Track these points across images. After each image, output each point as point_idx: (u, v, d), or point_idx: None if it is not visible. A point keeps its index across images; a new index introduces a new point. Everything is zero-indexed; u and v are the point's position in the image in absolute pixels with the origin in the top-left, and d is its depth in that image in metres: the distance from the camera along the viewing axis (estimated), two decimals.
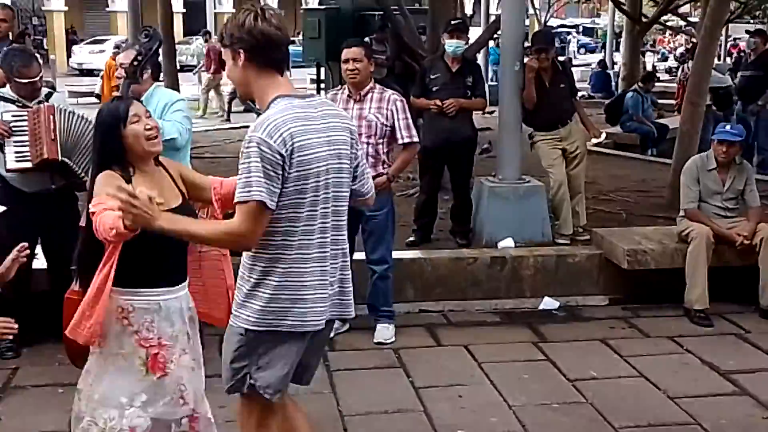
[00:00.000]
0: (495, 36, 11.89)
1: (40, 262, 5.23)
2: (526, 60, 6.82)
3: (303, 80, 23.21)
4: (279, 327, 2.79)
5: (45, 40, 32.44)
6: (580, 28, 48.51)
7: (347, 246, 2.95)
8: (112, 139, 3.06)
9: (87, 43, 33.74)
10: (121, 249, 2.95)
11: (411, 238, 6.76)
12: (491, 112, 9.88)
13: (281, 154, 2.61)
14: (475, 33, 10.50)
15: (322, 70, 15.86)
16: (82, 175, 4.81)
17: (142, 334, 3.11)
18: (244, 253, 2.83)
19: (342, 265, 2.91)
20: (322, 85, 15.90)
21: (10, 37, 6.82)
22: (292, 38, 37.61)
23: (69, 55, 33.92)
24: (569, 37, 44.13)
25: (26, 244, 3.22)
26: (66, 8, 37.86)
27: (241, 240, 2.69)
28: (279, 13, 2.76)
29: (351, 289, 2.96)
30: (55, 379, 4.72)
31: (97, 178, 3.05)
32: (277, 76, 2.76)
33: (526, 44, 7.28)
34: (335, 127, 2.80)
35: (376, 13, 12.85)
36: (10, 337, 2.92)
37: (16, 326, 2.92)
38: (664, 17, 18.91)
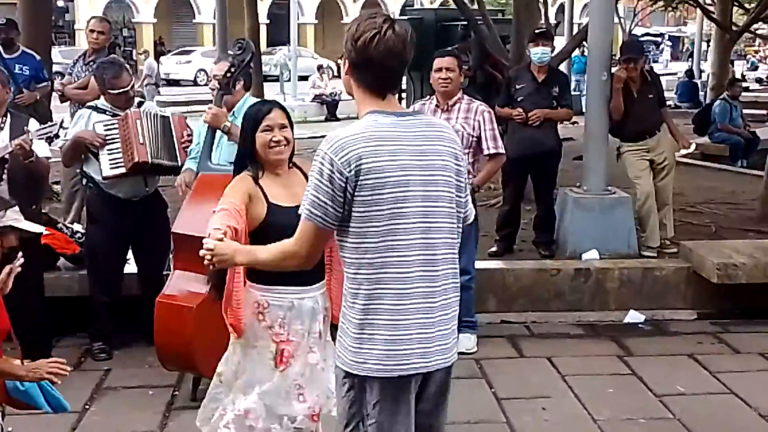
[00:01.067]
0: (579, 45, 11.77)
1: (131, 267, 5.39)
2: (613, 70, 6.73)
3: None
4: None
5: (134, 52, 33.40)
6: (666, 37, 47.57)
7: (449, 283, 2.59)
8: (246, 139, 3.38)
9: (174, 54, 34.69)
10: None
11: (493, 249, 6.73)
12: (574, 122, 9.76)
13: (344, 175, 2.41)
14: (559, 43, 10.41)
15: (404, 79, 15.94)
16: (168, 164, 4.99)
17: (275, 329, 3.30)
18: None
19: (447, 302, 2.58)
20: (403, 95, 15.99)
21: (107, 51, 7.04)
22: None
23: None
24: (662, 46, 43.43)
25: (21, 260, 3.18)
26: (155, 20, 39.02)
27: (295, 259, 2.58)
28: (405, 30, 2.50)
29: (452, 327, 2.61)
30: (146, 381, 4.85)
31: (234, 180, 3.35)
32: (378, 97, 2.53)
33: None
34: (435, 150, 2.54)
35: (459, 23, 12.85)
36: (66, 373, 2.93)
37: (68, 369, 2.98)
38: (755, 25, 18.39)
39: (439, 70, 5.19)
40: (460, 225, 2.64)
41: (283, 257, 2.62)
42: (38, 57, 7.42)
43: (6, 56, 7.23)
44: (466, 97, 5.29)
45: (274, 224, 3.15)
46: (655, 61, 40.09)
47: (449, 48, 11.41)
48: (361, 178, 2.41)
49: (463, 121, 5.18)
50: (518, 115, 6.54)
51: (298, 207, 2.56)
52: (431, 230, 2.51)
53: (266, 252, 2.71)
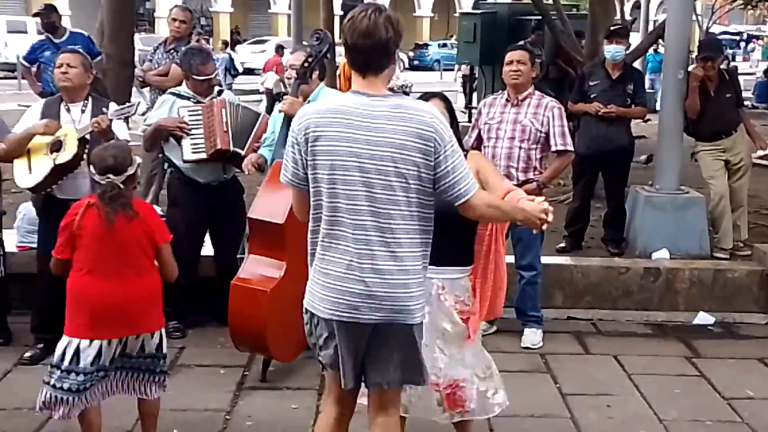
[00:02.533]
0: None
1: (207, 249, 5.51)
2: (690, 68, 6.62)
3: (451, 83, 23.31)
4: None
5: (211, 40, 33.86)
6: (745, 36, 46.28)
7: (393, 248, 2.82)
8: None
9: (249, 44, 35.10)
10: None
11: (561, 245, 6.69)
12: (647, 120, 9.62)
13: (298, 140, 2.85)
14: (633, 40, 10.25)
15: (476, 73, 15.89)
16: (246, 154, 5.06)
17: None
18: None
19: (373, 266, 2.81)
20: (474, 84, 15.93)
21: (188, 39, 7.18)
22: (445, 41, 37.53)
23: None
24: (753, 45, 42.43)
25: None
26: (232, 9, 39.53)
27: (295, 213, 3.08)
28: (385, 17, 2.78)
29: (391, 292, 2.83)
30: (218, 360, 4.97)
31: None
32: (360, 77, 2.85)
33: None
34: (396, 129, 2.75)
35: (533, 18, 12.77)
36: None
37: None
38: None
39: (510, 62, 5.17)
40: (424, 202, 2.85)
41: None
42: (86, 33, 7.57)
43: (55, 41, 7.42)
44: (537, 92, 5.25)
45: None
46: (746, 60, 39.28)
47: (521, 42, 11.39)
48: (309, 144, 2.82)
49: (532, 116, 5.14)
50: (593, 108, 6.47)
51: None
52: (358, 197, 2.79)
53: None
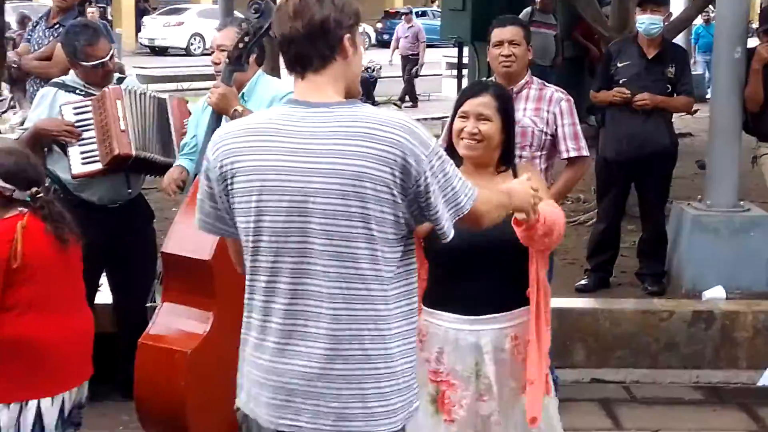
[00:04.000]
0: (705, 11, 11.70)
1: (105, 295, 5.47)
2: (751, 44, 6.71)
3: (438, 64, 23.43)
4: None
5: (109, 9, 33.86)
6: None
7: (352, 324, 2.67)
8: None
9: (161, 14, 35.11)
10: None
11: (583, 282, 6.75)
12: (695, 112, 9.74)
13: (210, 175, 2.76)
14: (676, 7, 10.39)
15: (465, 51, 15.94)
16: (161, 160, 5.10)
17: (431, 364, 3.55)
18: None
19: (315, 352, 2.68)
20: (464, 72, 16.00)
21: (77, 9, 7.14)
22: (425, 8, 37.85)
23: (138, 29, 35.30)
24: None
25: None
26: None
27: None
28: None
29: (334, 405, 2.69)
30: None
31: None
32: (298, 78, 2.74)
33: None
34: (348, 153, 2.61)
35: None
36: None
37: None
38: None
39: (499, 44, 5.04)
40: (389, 250, 2.67)
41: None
42: None
43: None
44: (536, 80, 5.17)
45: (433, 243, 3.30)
46: None
47: (526, 11, 11.39)
48: (227, 183, 2.71)
49: (533, 113, 5.06)
50: (619, 95, 6.55)
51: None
52: (287, 253, 2.65)
53: None
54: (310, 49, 2.68)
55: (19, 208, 3.67)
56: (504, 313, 3.52)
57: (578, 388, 5.81)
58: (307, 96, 2.70)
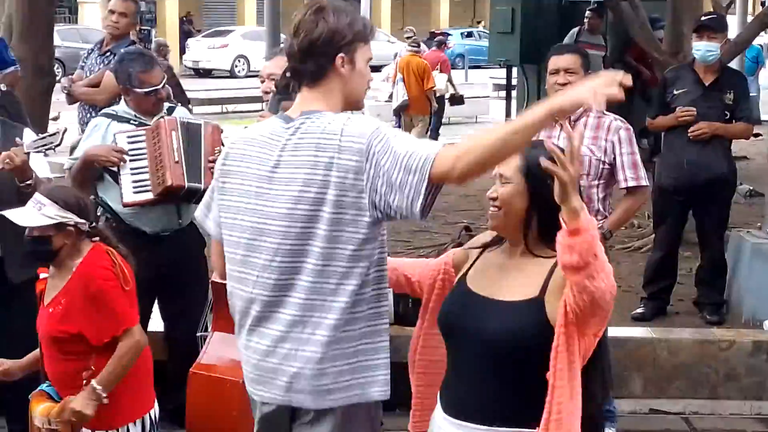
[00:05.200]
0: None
1: (156, 323, 5.49)
2: None
3: (484, 85, 23.42)
4: None
5: (154, 32, 34.12)
6: None
7: (312, 314, 3.01)
8: None
9: (205, 36, 35.36)
10: None
11: (639, 310, 6.70)
12: (756, 135, 9.66)
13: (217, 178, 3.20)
14: (730, 25, 10.30)
15: (514, 73, 15.94)
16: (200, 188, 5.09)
17: None
18: None
19: (283, 335, 3.05)
20: (513, 93, 15.99)
21: (132, 37, 7.16)
22: (471, 29, 37.80)
23: (182, 52, 35.57)
24: None
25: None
26: None
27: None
28: (319, 8, 3.01)
29: (302, 369, 3.03)
30: None
31: None
32: (304, 89, 3.09)
33: None
34: (299, 161, 2.96)
35: (592, 0, 12.88)
36: None
37: None
38: None
39: (555, 72, 5.05)
40: (344, 250, 2.94)
41: None
42: None
43: None
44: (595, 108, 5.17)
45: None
46: None
47: (574, 31, 11.36)
48: (220, 179, 3.16)
49: (590, 141, 5.03)
50: (685, 114, 6.50)
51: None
52: (258, 249, 3.03)
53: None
54: (303, 65, 3.02)
55: (90, 240, 4.00)
56: (498, 429, 2.92)
57: (636, 420, 5.78)
58: (300, 108, 3.05)
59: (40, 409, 3.93)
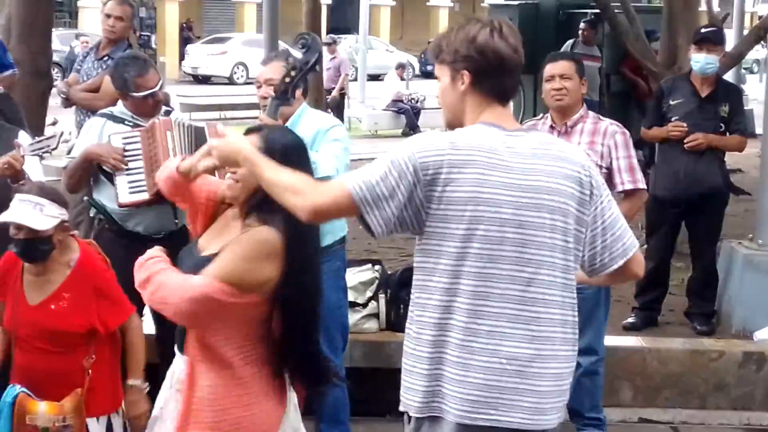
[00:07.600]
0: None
1: (148, 325, 5.49)
2: None
3: None
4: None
5: (153, 38, 34.09)
6: None
7: (547, 331, 2.96)
8: None
9: (204, 43, 35.40)
10: None
11: (630, 320, 6.72)
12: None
13: (417, 176, 2.84)
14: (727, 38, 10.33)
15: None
16: None
17: None
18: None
19: (517, 353, 2.92)
20: (510, 106, 15.94)
21: (127, 42, 7.16)
22: None
23: (182, 58, 35.61)
24: None
25: None
26: None
27: (299, 198, 2.90)
28: (515, 30, 3.01)
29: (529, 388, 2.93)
30: None
31: None
32: (499, 106, 3.00)
33: None
34: (548, 171, 2.92)
35: (589, 11, 12.90)
36: None
37: None
38: None
39: (551, 78, 5.13)
40: (575, 263, 3.00)
41: (288, 188, 2.92)
42: None
43: None
44: (591, 114, 5.24)
45: None
46: None
47: (569, 42, 11.38)
48: (438, 187, 2.84)
49: (587, 146, 5.08)
50: (676, 129, 6.54)
51: None
52: (526, 262, 2.88)
53: (274, 171, 2.99)
54: (516, 84, 3.07)
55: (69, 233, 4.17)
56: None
57: (625, 429, 5.79)
58: (501, 121, 2.98)
59: (45, 409, 3.98)
